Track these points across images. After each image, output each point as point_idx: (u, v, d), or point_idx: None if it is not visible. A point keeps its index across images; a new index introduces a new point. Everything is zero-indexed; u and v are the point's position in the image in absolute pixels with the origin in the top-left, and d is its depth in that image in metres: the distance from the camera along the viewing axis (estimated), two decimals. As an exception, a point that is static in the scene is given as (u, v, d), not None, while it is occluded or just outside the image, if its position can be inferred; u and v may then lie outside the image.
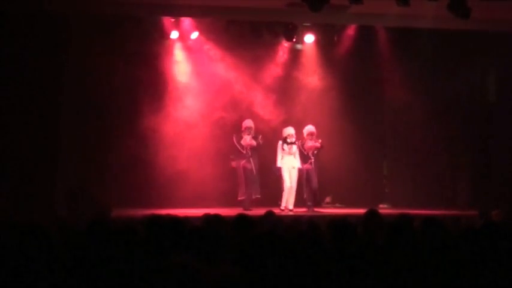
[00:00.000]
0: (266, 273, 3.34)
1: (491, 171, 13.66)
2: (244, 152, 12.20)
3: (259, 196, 12.32)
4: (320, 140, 12.29)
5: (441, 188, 14.01)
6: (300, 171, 12.16)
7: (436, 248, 4.27)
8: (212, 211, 6.97)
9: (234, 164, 12.35)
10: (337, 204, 13.46)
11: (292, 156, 12.08)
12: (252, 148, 12.20)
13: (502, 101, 13.65)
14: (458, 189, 14.03)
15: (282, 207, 11.94)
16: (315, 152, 12.28)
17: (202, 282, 2.97)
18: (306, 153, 12.22)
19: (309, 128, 12.34)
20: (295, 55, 13.90)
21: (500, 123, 13.52)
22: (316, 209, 12.20)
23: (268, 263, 3.37)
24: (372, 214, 6.25)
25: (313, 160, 12.26)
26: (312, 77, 13.85)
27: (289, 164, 12.09)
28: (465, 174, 14.04)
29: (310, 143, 12.23)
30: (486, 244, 4.31)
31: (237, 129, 12.41)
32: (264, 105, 13.28)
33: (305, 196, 12.27)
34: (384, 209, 12.24)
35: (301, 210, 12.02)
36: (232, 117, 13.02)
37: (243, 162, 12.21)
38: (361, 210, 7.17)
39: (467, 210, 11.65)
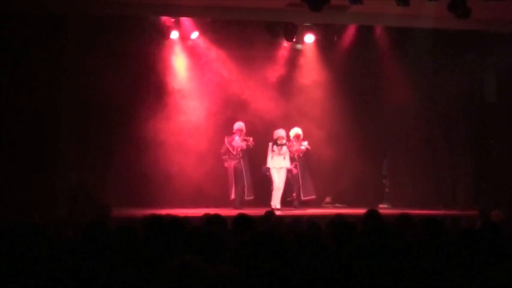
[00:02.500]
0: (266, 274, 3.34)
1: (491, 171, 13.66)
2: (235, 153, 12.48)
3: (252, 197, 12.61)
4: (306, 143, 12.51)
5: (441, 188, 14.00)
6: (289, 171, 12.44)
7: (436, 248, 4.27)
8: (212, 211, 6.98)
9: (226, 164, 12.68)
10: (337, 204, 13.46)
11: (281, 157, 12.37)
12: (243, 150, 12.56)
13: (501, 101, 13.65)
14: (458, 189, 14.02)
15: (273, 206, 12.11)
16: (301, 155, 12.53)
17: (202, 282, 2.97)
18: (292, 155, 12.53)
19: (295, 131, 12.58)
20: (295, 55, 13.89)
21: (500, 123, 13.52)
22: (302, 209, 12.37)
23: (268, 263, 3.37)
24: (372, 214, 6.26)
25: (297, 163, 12.59)
26: (312, 77, 13.84)
27: (278, 165, 12.34)
28: (465, 174, 14.03)
29: (296, 146, 12.44)
30: (486, 244, 4.31)
31: (230, 131, 12.60)
32: (263, 105, 13.27)
33: (293, 196, 12.65)
34: (384, 209, 12.25)
35: (288, 209, 12.26)
36: (232, 117, 13.01)
37: (233, 163, 12.56)
38: (361, 210, 7.17)
39: (467, 210, 11.65)
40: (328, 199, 13.72)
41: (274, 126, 12.86)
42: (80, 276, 3.61)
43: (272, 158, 12.36)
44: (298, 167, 12.71)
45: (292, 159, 12.60)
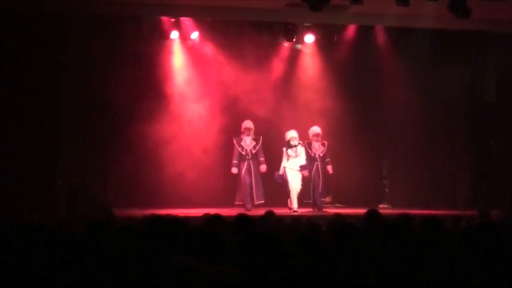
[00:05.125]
0: (266, 274, 3.34)
1: (491, 171, 13.66)
2: (244, 153, 12.12)
3: (262, 201, 12.08)
4: (325, 142, 12.36)
5: (441, 188, 13.99)
6: (309, 172, 12.14)
7: (436, 248, 4.27)
8: (212, 211, 6.98)
9: (234, 170, 12.09)
10: (337, 204, 13.45)
11: (298, 158, 12.07)
12: (253, 150, 12.10)
13: (501, 101, 13.65)
14: (458, 189, 14.01)
15: (295, 209, 11.82)
16: (321, 154, 12.31)
17: (202, 282, 2.97)
18: (313, 155, 12.27)
19: (315, 129, 12.33)
20: (295, 55, 13.89)
21: (500, 123, 13.53)
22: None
23: (268, 263, 3.38)
24: (372, 214, 6.25)
25: (319, 162, 12.29)
26: (312, 77, 13.84)
27: (294, 166, 12.07)
28: (465, 174, 14.03)
29: (316, 145, 12.27)
30: (486, 244, 4.31)
31: (237, 130, 12.37)
32: (264, 106, 13.25)
33: (312, 198, 12.30)
34: (384, 209, 12.23)
35: (306, 211, 12.00)
36: (233, 117, 12.99)
37: (243, 164, 12.09)
38: (361, 210, 7.18)
39: (467, 210, 11.65)
40: (328, 199, 13.69)
41: (274, 126, 12.84)
42: (80, 276, 3.62)
43: (288, 160, 12.04)
44: (319, 168, 12.28)
45: (313, 159, 12.27)
